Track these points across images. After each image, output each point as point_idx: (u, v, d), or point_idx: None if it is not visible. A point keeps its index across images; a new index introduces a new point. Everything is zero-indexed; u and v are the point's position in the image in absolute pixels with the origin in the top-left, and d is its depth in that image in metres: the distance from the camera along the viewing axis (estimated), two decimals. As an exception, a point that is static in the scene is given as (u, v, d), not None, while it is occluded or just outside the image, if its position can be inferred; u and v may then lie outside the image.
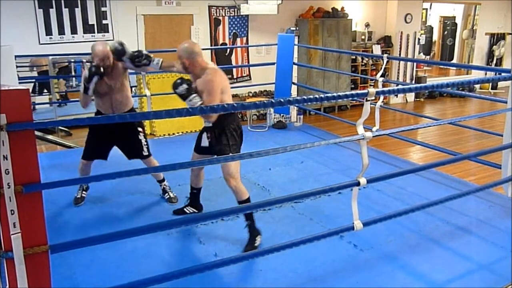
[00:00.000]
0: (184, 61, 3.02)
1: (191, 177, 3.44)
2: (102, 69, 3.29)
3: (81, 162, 3.52)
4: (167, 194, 3.79)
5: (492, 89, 11.70)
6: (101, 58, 3.29)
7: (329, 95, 2.39)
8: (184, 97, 2.88)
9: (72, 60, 7.85)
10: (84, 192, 3.71)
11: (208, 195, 3.84)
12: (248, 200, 3.04)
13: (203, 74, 2.99)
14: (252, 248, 2.95)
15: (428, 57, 12.85)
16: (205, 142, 3.17)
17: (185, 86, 2.88)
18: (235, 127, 3.14)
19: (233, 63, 8.85)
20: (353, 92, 2.37)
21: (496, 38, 12.09)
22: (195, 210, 3.51)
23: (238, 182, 3.05)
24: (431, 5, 12.90)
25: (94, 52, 3.34)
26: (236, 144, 3.14)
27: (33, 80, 7.31)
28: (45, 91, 7.51)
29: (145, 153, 3.62)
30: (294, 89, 7.36)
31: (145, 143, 3.63)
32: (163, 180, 3.82)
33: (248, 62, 8.81)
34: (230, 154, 3.02)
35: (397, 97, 10.54)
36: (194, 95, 2.89)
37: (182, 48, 3.02)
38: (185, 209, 3.53)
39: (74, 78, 8.12)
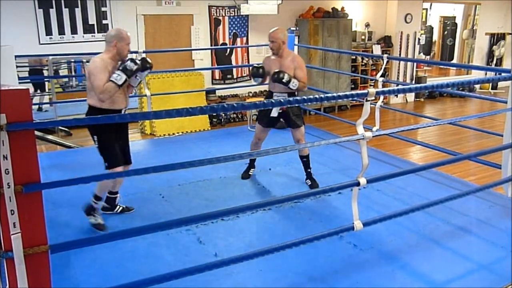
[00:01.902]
0: (282, 42, 3.81)
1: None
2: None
3: (115, 172, 3.16)
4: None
5: (492, 89, 11.70)
6: (129, 42, 3.27)
7: (329, 95, 2.39)
8: (288, 82, 3.70)
9: (72, 60, 7.86)
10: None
11: (208, 195, 3.85)
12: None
13: (288, 55, 3.87)
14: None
15: (428, 57, 12.86)
16: (275, 113, 3.88)
17: (285, 74, 3.70)
18: None
19: (233, 63, 8.85)
20: (353, 92, 2.37)
21: (496, 38, 12.09)
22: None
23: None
24: (431, 5, 12.90)
25: (124, 36, 3.21)
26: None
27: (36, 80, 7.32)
28: (38, 91, 7.53)
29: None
30: (294, 89, 7.35)
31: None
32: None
33: (248, 62, 8.81)
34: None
35: (397, 97, 10.54)
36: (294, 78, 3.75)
37: (280, 31, 3.84)
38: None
39: (74, 78, 8.14)
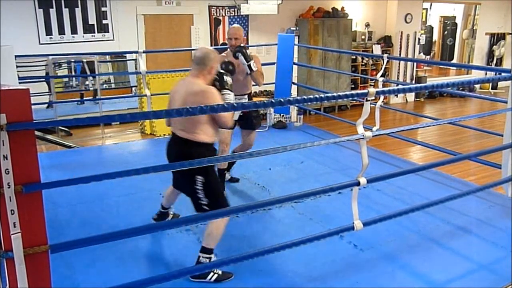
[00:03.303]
0: (243, 39, 3.78)
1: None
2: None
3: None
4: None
5: (492, 89, 11.69)
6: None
7: (329, 95, 2.39)
8: (248, 60, 3.62)
9: (72, 60, 7.87)
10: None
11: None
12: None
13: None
14: None
15: (428, 57, 12.84)
16: (236, 116, 3.64)
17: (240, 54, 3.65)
18: None
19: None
20: (353, 92, 2.37)
21: (496, 38, 12.09)
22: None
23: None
24: (431, 5, 12.89)
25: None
26: None
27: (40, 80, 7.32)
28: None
29: None
30: (294, 89, 7.36)
31: None
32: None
33: (248, 62, 8.80)
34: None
35: (397, 97, 10.54)
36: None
37: (241, 28, 3.89)
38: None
39: (74, 78, 8.15)
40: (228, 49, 3.85)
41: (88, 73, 7.80)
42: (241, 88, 3.76)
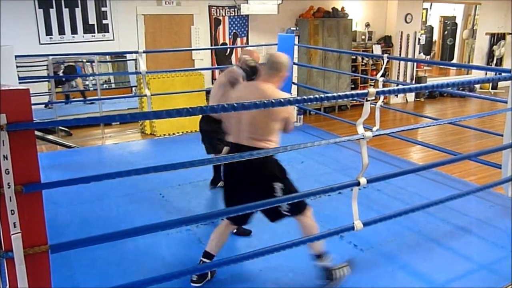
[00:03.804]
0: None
1: None
2: None
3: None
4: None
5: (492, 89, 11.69)
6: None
7: (329, 95, 2.39)
8: None
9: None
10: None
11: (208, 195, 3.85)
12: None
13: None
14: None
15: (428, 57, 12.85)
16: None
17: None
18: None
19: (233, 63, 8.84)
20: (353, 92, 2.37)
21: (496, 38, 12.09)
22: None
23: None
24: (431, 5, 12.89)
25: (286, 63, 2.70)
26: None
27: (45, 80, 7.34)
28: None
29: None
30: (294, 89, 7.37)
31: None
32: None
33: (248, 62, 8.79)
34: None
35: (397, 97, 10.54)
36: None
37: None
38: None
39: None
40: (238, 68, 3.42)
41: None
42: None
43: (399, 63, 10.37)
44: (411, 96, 10.78)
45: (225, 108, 2.08)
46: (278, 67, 2.62)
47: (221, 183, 3.65)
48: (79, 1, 7.22)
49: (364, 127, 2.46)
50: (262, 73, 2.71)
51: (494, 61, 12.05)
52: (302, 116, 6.37)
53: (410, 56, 10.42)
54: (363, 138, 2.42)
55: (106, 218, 3.47)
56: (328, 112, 8.76)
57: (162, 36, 8.02)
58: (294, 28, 8.93)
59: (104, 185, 3.81)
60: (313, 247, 2.59)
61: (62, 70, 7.72)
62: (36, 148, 1.75)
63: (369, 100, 2.35)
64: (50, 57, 6.85)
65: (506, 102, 3.81)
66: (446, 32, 13.27)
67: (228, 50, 8.72)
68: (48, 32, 7.07)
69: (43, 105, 7.09)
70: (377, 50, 9.96)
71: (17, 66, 4.73)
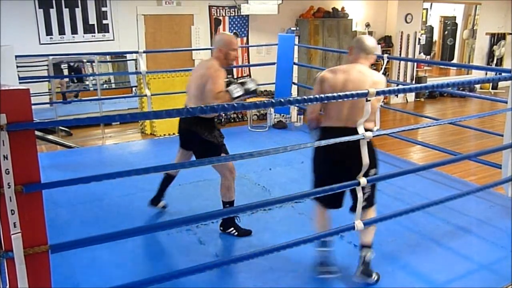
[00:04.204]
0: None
1: None
2: None
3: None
4: None
5: (492, 89, 11.69)
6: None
7: (329, 95, 2.38)
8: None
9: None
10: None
11: (208, 195, 3.84)
12: None
13: None
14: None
15: (428, 57, 12.84)
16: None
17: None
18: None
19: (233, 63, 8.84)
20: (353, 92, 2.36)
21: (497, 38, 12.08)
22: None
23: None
24: (431, 5, 12.89)
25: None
26: None
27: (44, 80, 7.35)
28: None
29: None
30: (294, 89, 7.36)
31: None
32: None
33: (249, 62, 8.81)
34: (222, 154, 3.14)
35: (397, 97, 10.53)
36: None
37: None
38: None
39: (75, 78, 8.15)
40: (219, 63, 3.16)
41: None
42: None
43: (399, 63, 10.37)
44: (411, 96, 10.78)
45: (225, 108, 2.08)
46: (373, 51, 3.00)
47: (161, 203, 3.58)
48: (79, 1, 7.22)
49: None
50: (355, 55, 2.99)
51: (494, 61, 12.05)
52: (302, 116, 6.37)
53: (410, 56, 10.42)
54: (363, 138, 2.42)
55: (106, 218, 3.47)
56: (328, 112, 8.74)
57: (162, 36, 8.02)
58: (294, 28, 8.93)
59: (104, 185, 3.82)
60: (368, 236, 2.63)
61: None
62: (36, 148, 1.75)
63: (369, 100, 2.35)
64: (50, 57, 6.86)
65: (506, 102, 3.81)
66: (446, 32, 13.26)
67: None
68: (48, 32, 7.07)
69: (44, 105, 7.11)
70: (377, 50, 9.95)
71: (17, 66, 4.74)
